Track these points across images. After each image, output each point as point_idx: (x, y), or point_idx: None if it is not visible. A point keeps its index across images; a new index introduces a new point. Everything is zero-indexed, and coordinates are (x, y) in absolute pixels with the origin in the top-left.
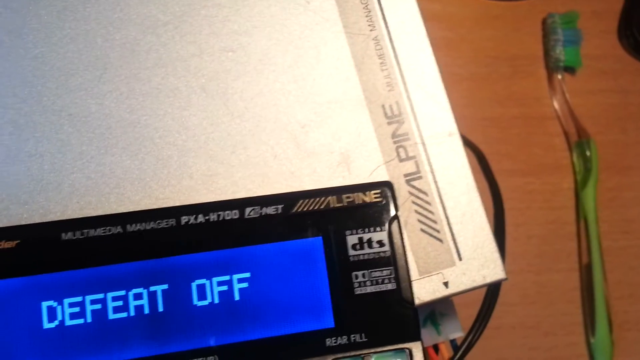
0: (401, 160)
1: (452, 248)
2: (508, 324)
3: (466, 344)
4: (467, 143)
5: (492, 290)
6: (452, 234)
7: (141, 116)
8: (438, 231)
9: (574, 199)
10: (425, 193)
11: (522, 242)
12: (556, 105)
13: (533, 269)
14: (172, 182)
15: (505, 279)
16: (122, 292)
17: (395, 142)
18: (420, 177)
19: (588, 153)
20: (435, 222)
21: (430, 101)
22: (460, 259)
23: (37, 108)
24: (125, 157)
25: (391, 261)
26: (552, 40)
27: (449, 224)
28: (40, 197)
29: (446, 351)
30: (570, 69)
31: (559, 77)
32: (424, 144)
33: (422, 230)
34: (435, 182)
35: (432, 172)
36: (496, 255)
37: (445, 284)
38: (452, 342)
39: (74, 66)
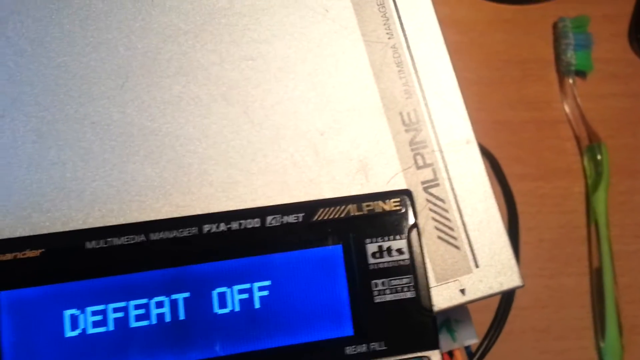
0: (419, 168)
1: (469, 255)
2: (519, 328)
3: (481, 350)
4: (480, 147)
5: (507, 296)
6: (469, 241)
7: (162, 124)
8: (455, 238)
9: (585, 203)
10: (442, 200)
11: (533, 246)
12: (567, 109)
13: (544, 273)
14: (192, 190)
15: (522, 286)
16: (144, 300)
17: (412, 150)
18: (437, 185)
19: (599, 157)
20: (452, 229)
21: (447, 109)
22: (477, 266)
23: (59, 116)
24: (147, 165)
25: (410, 269)
26: (563, 44)
27: (466, 231)
28: (62, 205)
29: (461, 357)
30: (581, 73)
31: (570, 81)
32: (441, 151)
33: (439, 237)
34: (453, 189)
35: (450, 180)
36: (513, 262)
37: (462, 291)
38: (467, 348)
39: (96, 75)
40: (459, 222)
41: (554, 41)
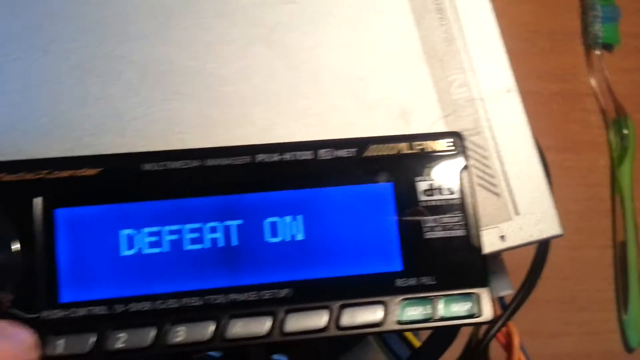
0: (459, 116)
1: (509, 203)
2: (542, 298)
3: (516, 301)
4: None
5: (543, 246)
6: (510, 189)
7: (203, 64)
8: (495, 186)
9: (610, 176)
10: (483, 148)
11: None
12: (593, 82)
13: (568, 245)
14: (233, 130)
15: (562, 235)
16: (199, 225)
17: (454, 97)
18: (478, 133)
19: (625, 131)
20: (492, 176)
21: (488, 57)
22: (517, 213)
23: (101, 54)
24: (188, 104)
25: (461, 208)
26: (590, 16)
27: (506, 179)
28: (104, 140)
29: (496, 309)
30: (608, 46)
31: (597, 53)
32: (482, 99)
33: (480, 184)
34: (494, 137)
35: (490, 128)
36: (553, 210)
37: (502, 237)
38: (501, 299)
39: (138, 13)
40: (499, 170)
41: (582, 13)
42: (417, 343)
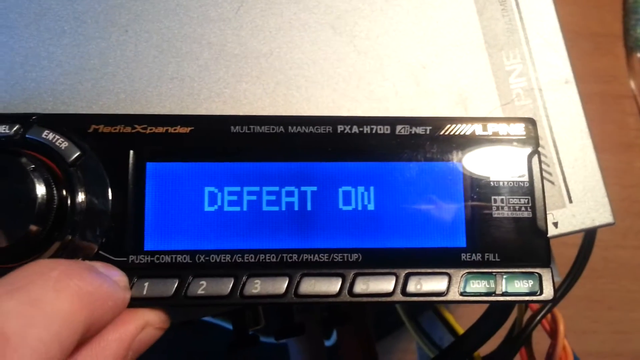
0: (517, 105)
1: (563, 190)
2: (573, 295)
3: (562, 288)
4: None
5: (589, 235)
6: (564, 177)
7: (274, 48)
8: (550, 174)
9: None
10: (539, 137)
11: None
12: (633, 84)
13: (601, 244)
14: (299, 111)
15: (613, 224)
16: (276, 188)
17: (512, 87)
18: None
19: None
20: (548, 165)
21: (548, 48)
22: (570, 201)
23: (179, 34)
24: (258, 85)
25: (529, 191)
26: (632, 19)
27: (561, 167)
28: None
29: None
30: None
31: (638, 56)
32: (540, 89)
33: None
34: (550, 126)
35: (547, 117)
36: (605, 199)
37: (555, 224)
38: None
39: None
40: (554, 159)
41: (624, 16)
42: (460, 329)
